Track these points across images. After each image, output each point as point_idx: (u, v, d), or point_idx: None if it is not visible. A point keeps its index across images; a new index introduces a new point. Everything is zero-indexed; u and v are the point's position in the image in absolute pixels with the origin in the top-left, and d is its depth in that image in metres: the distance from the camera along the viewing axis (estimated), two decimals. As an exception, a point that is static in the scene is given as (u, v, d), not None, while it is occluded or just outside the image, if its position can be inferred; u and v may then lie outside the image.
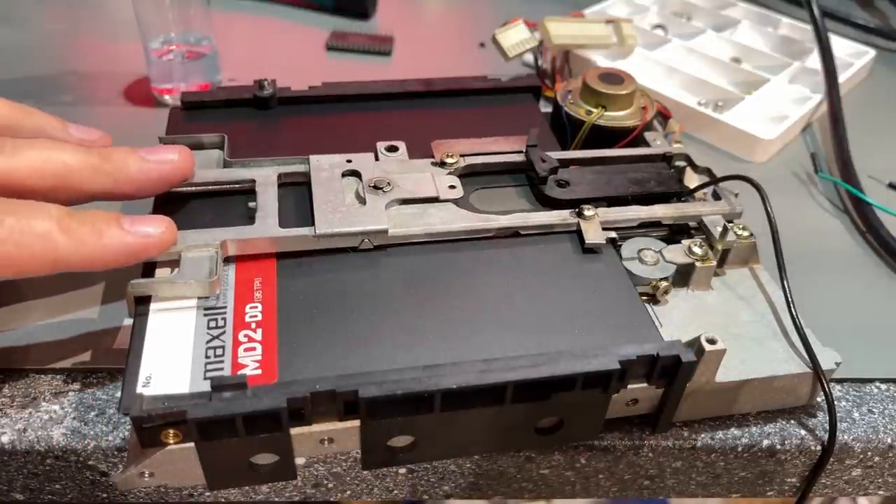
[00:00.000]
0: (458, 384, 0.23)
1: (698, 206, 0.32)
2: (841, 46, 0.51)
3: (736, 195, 0.33)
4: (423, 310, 0.27)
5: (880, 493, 0.32)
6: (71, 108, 0.44)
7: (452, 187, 0.32)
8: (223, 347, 0.25)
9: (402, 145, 0.34)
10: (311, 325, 0.26)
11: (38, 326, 0.30)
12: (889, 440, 0.29)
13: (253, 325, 0.26)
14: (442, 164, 0.33)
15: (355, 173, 0.32)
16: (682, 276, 0.30)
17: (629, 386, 0.26)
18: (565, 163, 0.34)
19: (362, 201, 0.30)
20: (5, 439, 0.27)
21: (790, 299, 0.29)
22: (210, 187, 0.31)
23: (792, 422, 0.29)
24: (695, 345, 0.26)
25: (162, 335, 0.25)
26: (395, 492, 0.30)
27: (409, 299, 0.27)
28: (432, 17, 0.59)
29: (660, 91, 0.45)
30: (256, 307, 0.27)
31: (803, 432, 0.29)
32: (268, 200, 0.30)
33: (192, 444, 0.23)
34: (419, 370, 0.24)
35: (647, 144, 0.36)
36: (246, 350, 0.25)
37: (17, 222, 0.24)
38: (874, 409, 0.30)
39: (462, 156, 0.33)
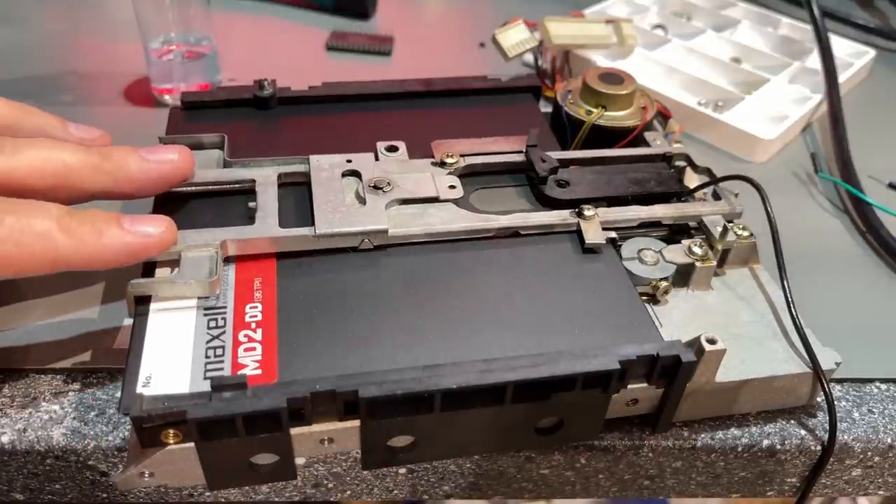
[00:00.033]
0: (458, 384, 0.23)
1: (698, 206, 0.32)
2: (841, 46, 0.51)
3: (736, 195, 0.33)
4: (423, 310, 0.27)
5: (880, 493, 0.32)
6: (71, 108, 0.44)
7: (452, 187, 0.32)
8: (223, 347, 0.25)
9: (402, 145, 0.34)
10: (311, 325, 0.26)
11: (38, 326, 0.30)
12: (889, 440, 0.29)
13: (253, 325, 0.26)
14: (442, 164, 0.33)
15: (355, 173, 0.32)
16: (682, 276, 0.30)
17: (629, 386, 0.26)
18: (565, 163, 0.34)
19: (362, 201, 0.30)
20: (5, 439, 0.27)
21: (790, 299, 0.29)
22: (210, 187, 0.31)
23: (792, 422, 0.29)
24: (695, 345, 0.26)
25: (162, 335, 0.25)
26: (395, 492, 0.30)
27: (409, 299, 0.27)
28: (432, 17, 0.59)
29: (660, 91, 0.45)
30: (256, 307, 0.27)
31: (803, 432, 0.29)
32: (268, 200, 0.30)
33: (192, 444, 0.23)
34: (419, 370, 0.24)
35: (647, 144, 0.36)
36: (246, 350, 0.25)
37: (17, 221, 0.24)
38: (874, 409, 0.30)
39: (462, 156, 0.33)
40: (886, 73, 0.53)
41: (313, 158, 0.32)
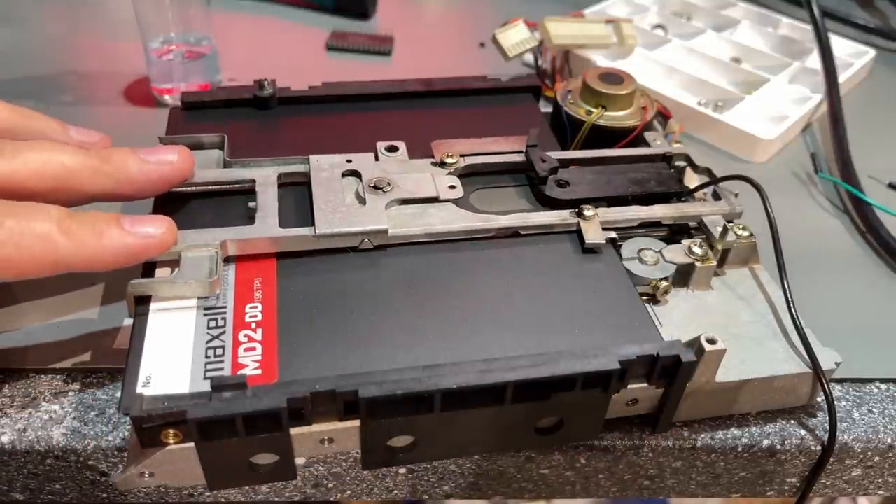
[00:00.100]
0: (458, 384, 0.23)
1: (698, 206, 0.32)
2: (841, 46, 0.51)
3: (736, 195, 0.33)
4: (423, 310, 0.27)
5: (880, 493, 0.32)
6: (71, 108, 0.44)
7: (452, 187, 0.32)
8: (223, 347, 0.25)
9: (402, 145, 0.34)
10: (311, 325, 0.26)
11: (38, 327, 0.30)
12: (889, 440, 0.29)
13: (253, 325, 0.26)
14: (442, 164, 0.33)
15: (355, 173, 0.32)
16: (682, 276, 0.30)
17: (629, 386, 0.26)
18: (565, 163, 0.34)
19: (362, 201, 0.30)
20: (5, 439, 0.27)
21: (790, 299, 0.29)
22: (210, 187, 0.31)
23: (792, 422, 0.30)
24: (695, 345, 0.26)
25: (162, 335, 0.25)
26: (395, 492, 0.30)
27: (409, 299, 0.27)
28: (432, 17, 0.59)
29: (660, 91, 0.45)
30: (256, 307, 0.27)
31: (803, 432, 0.29)
32: (268, 200, 0.30)
33: (192, 444, 0.23)
34: (419, 370, 0.24)
35: (647, 144, 0.36)
36: (246, 350, 0.25)
37: (18, 224, 0.24)
38: (874, 409, 0.30)
39: (462, 156, 0.33)
40: (886, 73, 0.53)
41: (313, 158, 0.32)
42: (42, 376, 0.29)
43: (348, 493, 0.30)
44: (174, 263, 0.27)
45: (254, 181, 0.31)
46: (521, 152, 0.34)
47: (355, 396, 0.23)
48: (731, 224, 0.31)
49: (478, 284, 0.28)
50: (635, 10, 0.54)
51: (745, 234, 0.31)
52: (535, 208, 0.32)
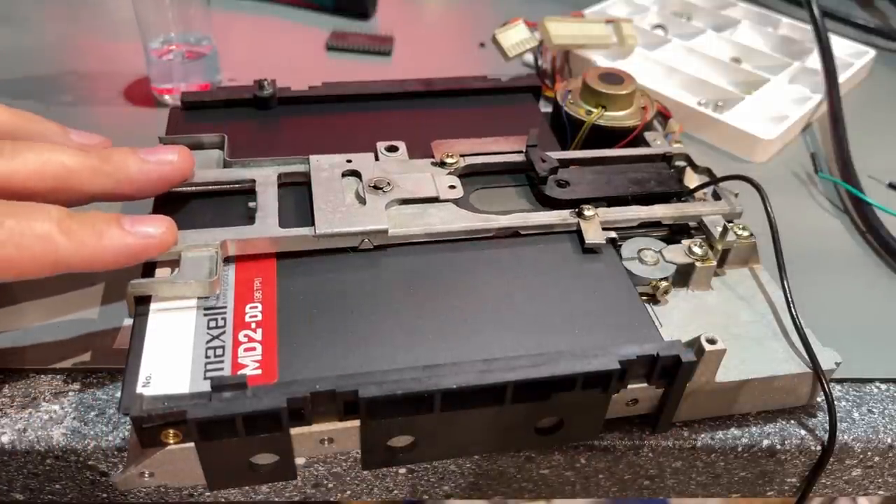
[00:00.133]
0: (458, 384, 0.23)
1: (698, 206, 0.32)
2: (841, 46, 0.51)
3: (736, 195, 0.33)
4: (423, 310, 0.27)
5: (880, 493, 0.32)
6: (71, 108, 0.44)
7: (452, 187, 0.32)
8: (223, 347, 0.25)
9: (402, 145, 0.34)
10: (311, 325, 0.26)
11: (38, 326, 0.30)
12: (889, 440, 0.29)
13: (253, 325, 0.26)
14: (442, 164, 0.33)
15: (355, 173, 0.32)
16: (682, 276, 0.30)
17: (629, 386, 0.26)
18: (565, 163, 0.34)
19: (362, 201, 0.30)
20: (5, 439, 0.27)
21: (790, 299, 0.29)
22: (210, 187, 0.31)
23: (792, 422, 0.30)
24: (695, 345, 0.26)
25: (162, 335, 0.25)
26: (395, 492, 0.30)
27: (409, 299, 0.27)
28: (432, 17, 0.59)
29: (660, 91, 0.45)
30: (256, 307, 0.27)
31: (803, 432, 0.29)
32: (268, 200, 0.30)
33: (192, 444, 0.23)
34: (419, 370, 0.24)
35: (647, 144, 0.36)
36: (246, 350, 0.25)
37: (18, 224, 0.24)
38: (874, 409, 0.30)
39: (462, 156, 0.33)
40: (886, 73, 0.53)
41: (313, 158, 0.32)
42: (42, 376, 0.29)
43: (348, 493, 0.30)
44: (174, 263, 0.27)
45: (254, 181, 0.31)
46: (521, 152, 0.34)
47: (355, 396, 0.23)
48: (731, 224, 0.31)
49: (478, 284, 0.28)
50: (635, 10, 0.54)
51: (745, 234, 0.31)
52: (535, 208, 0.32)
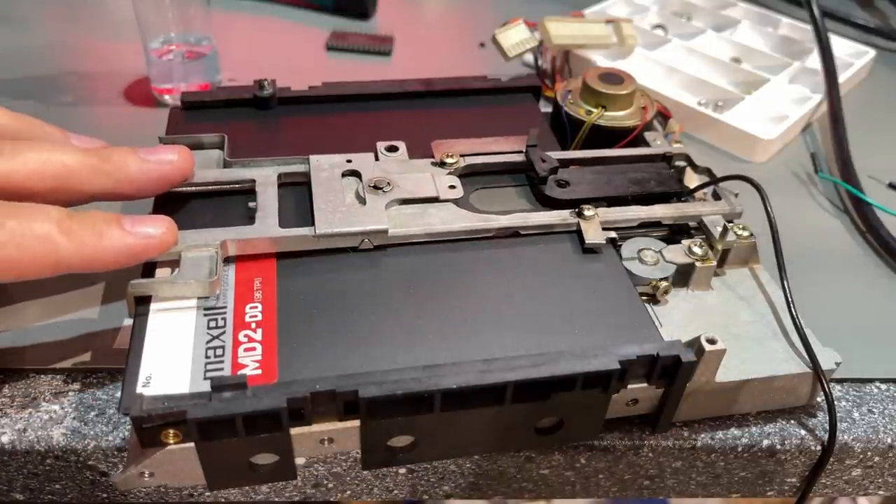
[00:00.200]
0: (458, 384, 0.23)
1: (698, 206, 0.32)
2: (841, 46, 0.51)
3: (736, 195, 0.33)
4: (423, 310, 0.27)
5: (880, 493, 0.32)
6: (71, 108, 0.44)
7: (452, 187, 0.32)
8: (223, 347, 0.25)
9: (402, 145, 0.34)
10: (311, 325, 0.26)
11: (38, 326, 0.30)
12: (889, 440, 0.29)
13: (253, 325, 0.26)
14: (442, 164, 0.33)
15: (355, 173, 0.32)
16: (682, 276, 0.30)
17: (629, 386, 0.26)
18: (565, 163, 0.34)
19: (362, 201, 0.30)
20: (5, 439, 0.27)
21: (790, 299, 0.29)
22: (210, 187, 0.31)
23: (792, 422, 0.30)
24: (695, 345, 0.26)
25: (162, 335, 0.25)
26: (395, 492, 0.30)
27: (409, 299, 0.27)
28: (432, 17, 0.59)
29: (660, 91, 0.45)
30: (256, 307, 0.27)
31: (803, 432, 0.29)
32: (268, 200, 0.30)
33: (192, 444, 0.23)
34: (419, 370, 0.24)
35: (647, 144, 0.36)
36: (246, 350, 0.25)
37: (18, 225, 0.24)
38: (874, 409, 0.30)
39: (462, 156, 0.33)
40: (886, 73, 0.53)
41: (313, 158, 0.32)
42: (42, 376, 0.29)
43: (348, 493, 0.30)
44: (174, 263, 0.27)
45: (254, 181, 0.31)
46: (521, 152, 0.34)
47: (355, 396, 0.23)
48: (731, 224, 0.31)
49: (478, 284, 0.28)
50: (635, 10, 0.54)
51: (745, 234, 0.31)
52: (535, 208, 0.32)
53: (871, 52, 0.52)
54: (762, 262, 0.31)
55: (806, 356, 0.28)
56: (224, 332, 0.26)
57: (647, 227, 0.32)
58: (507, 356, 0.25)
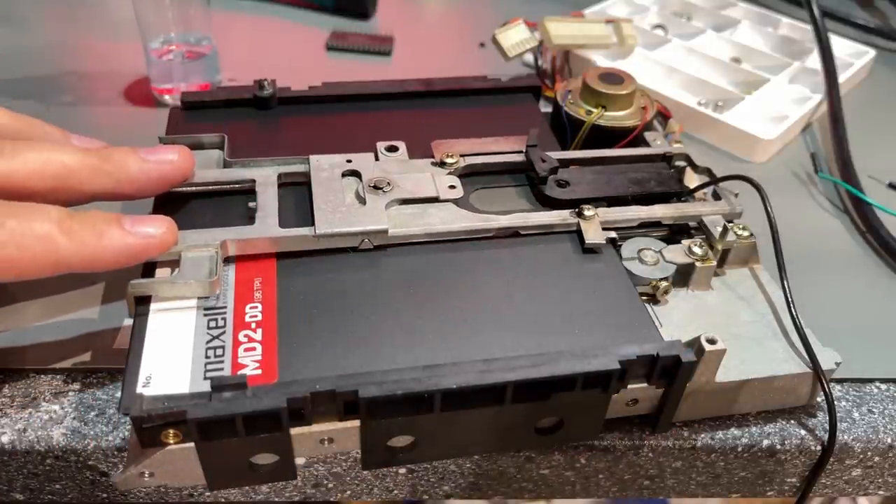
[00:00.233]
0: (458, 384, 0.23)
1: (698, 206, 0.32)
2: (841, 46, 0.51)
3: (736, 195, 0.33)
4: (423, 310, 0.27)
5: (880, 493, 0.32)
6: (71, 108, 0.44)
7: (452, 187, 0.32)
8: (223, 347, 0.25)
9: (402, 145, 0.34)
10: (311, 325, 0.26)
11: (38, 326, 0.30)
12: (889, 440, 0.29)
13: (253, 325, 0.26)
14: (442, 164, 0.33)
15: (355, 173, 0.32)
16: (682, 276, 0.30)
17: (629, 386, 0.26)
18: (565, 163, 0.34)
19: (362, 201, 0.30)
20: (5, 439, 0.27)
21: (790, 299, 0.29)
22: (210, 187, 0.31)
23: (792, 422, 0.30)
24: (695, 345, 0.26)
25: (162, 335, 0.25)
26: (395, 492, 0.30)
27: (409, 299, 0.27)
28: (432, 17, 0.59)
29: (660, 91, 0.45)
30: (256, 307, 0.27)
31: (803, 432, 0.29)
32: (268, 200, 0.30)
33: (192, 444, 0.23)
34: (419, 370, 0.24)
35: (647, 144, 0.36)
36: (246, 350, 0.25)
37: (18, 225, 0.24)
38: (874, 409, 0.30)
39: (462, 156, 0.33)
40: (886, 73, 0.53)
41: (313, 158, 0.32)
42: (42, 376, 0.29)
43: (348, 493, 0.30)
44: (174, 263, 0.27)
45: (254, 181, 0.31)
46: (521, 152, 0.34)
47: (355, 396, 0.23)
48: (731, 224, 0.31)
49: (478, 284, 0.28)
50: (635, 10, 0.54)
51: (745, 234, 0.31)
52: (535, 208, 0.32)
53: (871, 52, 0.52)
54: (762, 262, 0.31)
55: (806, 356, 0.28)
56: (224, 332, 0.26)
57: (647, 227, 0.32)
58: (507, 356, 0.25)
